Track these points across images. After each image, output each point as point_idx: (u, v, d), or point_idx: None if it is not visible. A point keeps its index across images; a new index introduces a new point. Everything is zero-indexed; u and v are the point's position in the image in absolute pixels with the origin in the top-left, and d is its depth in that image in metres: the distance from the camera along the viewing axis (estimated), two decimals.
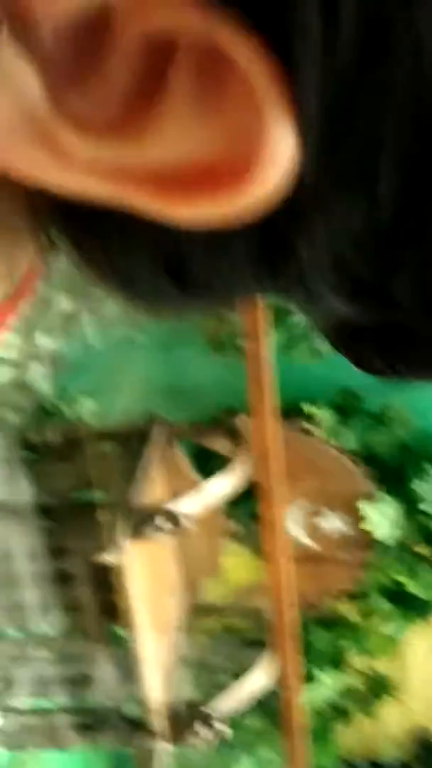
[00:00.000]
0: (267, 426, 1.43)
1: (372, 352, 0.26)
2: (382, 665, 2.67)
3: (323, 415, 2.20)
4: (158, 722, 1.98)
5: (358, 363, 0.27)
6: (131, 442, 2.11)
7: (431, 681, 2.86)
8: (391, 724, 2.94)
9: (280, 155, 0.18)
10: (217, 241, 0.21)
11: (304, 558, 2.33)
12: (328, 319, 0.25)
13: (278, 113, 0.17)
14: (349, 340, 0.26)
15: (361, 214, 0.19)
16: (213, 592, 2.53)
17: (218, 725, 1.96)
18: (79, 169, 0.19)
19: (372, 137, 0.18)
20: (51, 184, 0.19)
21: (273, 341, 1.98)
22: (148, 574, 2.00)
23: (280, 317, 1.90)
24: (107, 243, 0.23)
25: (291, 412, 2.25)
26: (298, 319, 2.00)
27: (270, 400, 1.39)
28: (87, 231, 0.23)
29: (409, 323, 0.24)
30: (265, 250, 0.21)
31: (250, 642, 2.53)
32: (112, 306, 2.22)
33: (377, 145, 0.18)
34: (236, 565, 2.57)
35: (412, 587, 2.24)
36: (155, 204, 0.19)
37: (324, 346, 1.97)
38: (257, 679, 2.00)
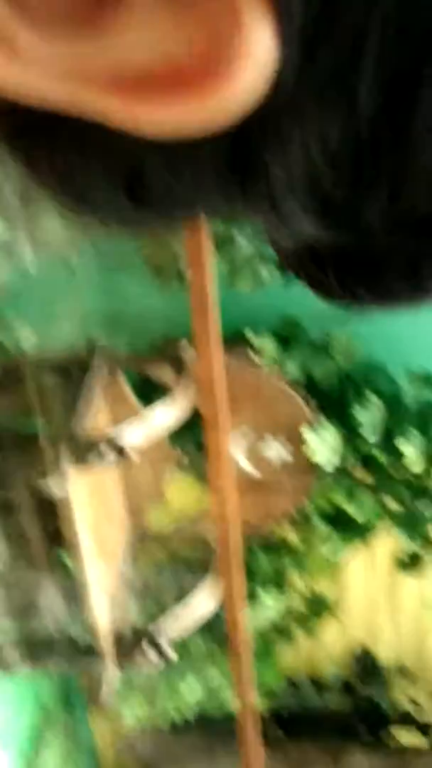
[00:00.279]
0: (210, 354, 1.43)
1: (333, 277, 0.25)
2: (322, 587, 2.77)
3: (266, 343, 2.21)
4: (105, 646, 2.02)
5: (318, 289, 0.27)
6: (73, 371, 2.09)
7: (369, 601, 2.98)
8: (331, 643, 3.06)
9: (257, 53, 0.16)
10: (181, 152, 0.20)
11: (248, 484, 2.38)
12: (291, 241, 0.24)
13: (257, 6, 0.16)
14: (310, 264, 0.26)
15: (339, 123, 0.18)
16: (158, 520, 2.57)
17: (164, 648, 2.02)
18: (36, 69, 0.17)
19: (355, 40, 0.17)
20: (4, 88, 0.18)
21: (215, 269, 1.97)
22: (92, 503, 2.01)
23: (222, 245, 1.89)
24: (62, 155, 0.21)
25: (234, 340, 2.25)
26: (241, 246, 1.99)
27: (213, 328, 1.38)
28: (40, 142, 0.21)
29: (375, 246, 0.23)
30: (234, 165, 0.20)
31: (196, 568, 2.59)
32: (50, 232, 2.17)
33: (360, 48, 0.17)
34: (181, 493, 2.60)
35: (352, 511, 2.30)
36: (117, 108, 0.18)
37: (267, 274, 1.96)
38: (202, 603, 2.06)
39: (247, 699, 1.90)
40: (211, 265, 1.27)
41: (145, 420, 1.78)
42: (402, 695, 3.06)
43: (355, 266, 0.25)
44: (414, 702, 3.05)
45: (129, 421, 1.78)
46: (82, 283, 2.37)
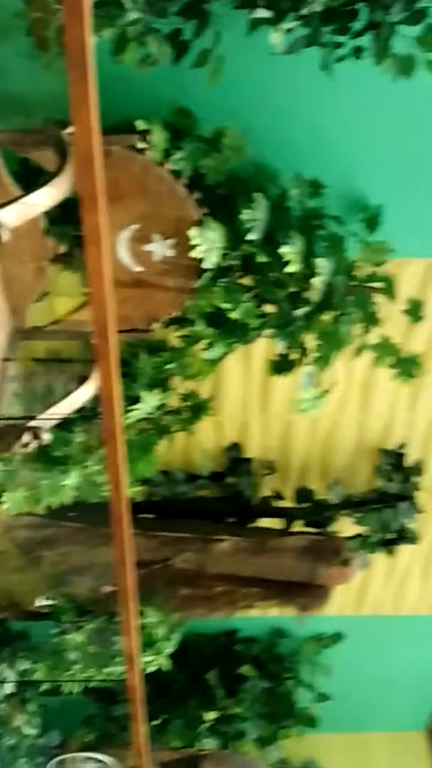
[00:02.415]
0: (88, 127, 1.32)
1: None
2: (200, 387, 2.81)
3: (156, 133, 2.06)
4: None
5: None
6: None
7: (242, 401, 3.07)
8: (204, 438, 3.17)
9: None
10: None
11: (132, 283, 2.31)
12: None
13: None
14: None
15: None
16: (38, 317, 2.50)
17: (42, 435, 2.02)
18: None
19: None
20: None
21: (101, 42, 1.79)
22: None
23: (107, 10, 1.69)
24: None
25: (124, 128, 2.10)
26: (132, 16, 1.79)
27: (90, 94, 1.26)
28: None
29: None
30: None
31: (75, 364, 2.57)
32: None
33: None
34: (62, 291, 2.53)
35: (234, 314, 2.27)
36: None
37: (156, 50, 1.78)
38: (80, 397, 2.05)
39: (118, 484, 1.94)
40: (91, 31, 1.12)
41: (23, 201, 1.66)
42: (265, 486, 3.25)
43: None
44: (275, 491, 3.25)
45: (4, 202, 1.66)
46: None
